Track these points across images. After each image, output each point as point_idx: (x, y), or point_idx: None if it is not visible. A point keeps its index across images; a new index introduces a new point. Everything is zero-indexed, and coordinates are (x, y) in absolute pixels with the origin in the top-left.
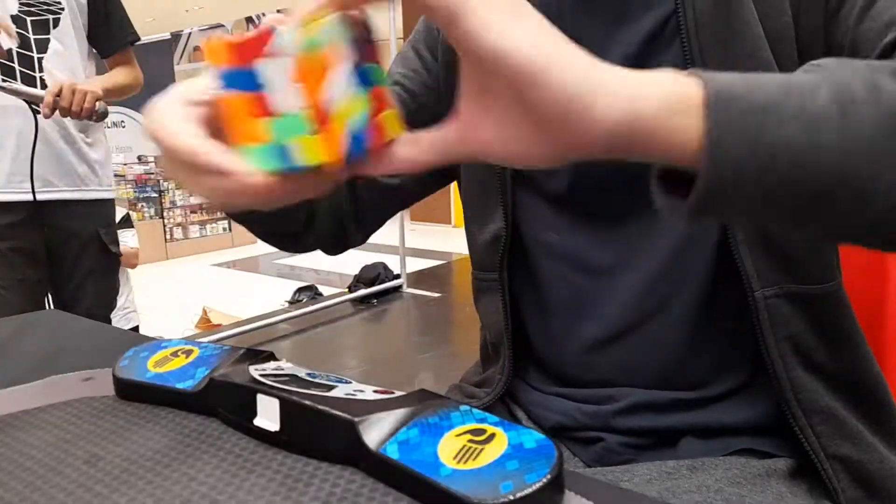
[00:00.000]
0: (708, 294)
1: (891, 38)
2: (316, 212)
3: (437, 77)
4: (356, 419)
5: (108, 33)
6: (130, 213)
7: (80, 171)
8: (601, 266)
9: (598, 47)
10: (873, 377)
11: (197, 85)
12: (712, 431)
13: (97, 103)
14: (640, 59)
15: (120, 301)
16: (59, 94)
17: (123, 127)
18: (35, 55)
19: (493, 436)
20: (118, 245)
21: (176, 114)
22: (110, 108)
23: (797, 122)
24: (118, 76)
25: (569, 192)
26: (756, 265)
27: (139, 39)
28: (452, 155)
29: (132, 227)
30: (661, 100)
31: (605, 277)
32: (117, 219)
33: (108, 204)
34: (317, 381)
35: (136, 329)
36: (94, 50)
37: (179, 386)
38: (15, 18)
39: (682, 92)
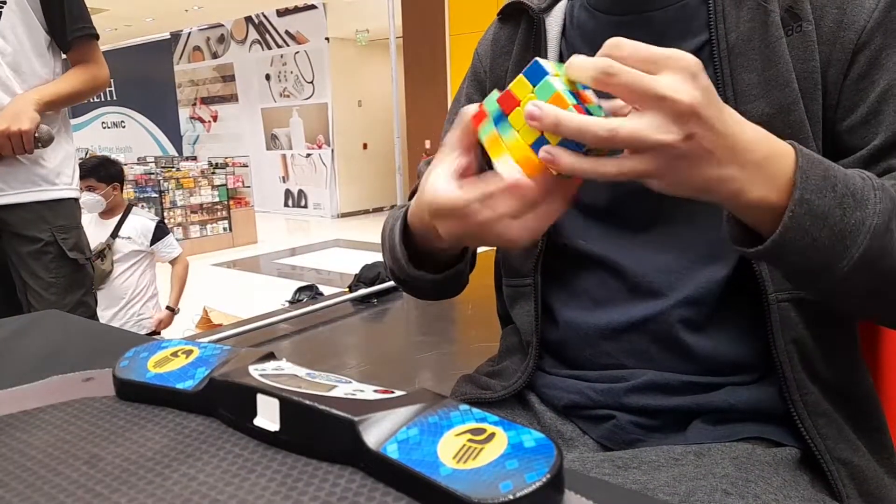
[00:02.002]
0: (726, 293)
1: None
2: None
3: None
4: (356, 419)
5: (63, 27)
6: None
7: (35, 174)
8: (627, 267)
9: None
10: (864, 390)
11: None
12: (721, 415)
13: (39, 128)
14: None
15: (136, 307)
16: None
17: (124, 127)
18: None
19: (492, 435)
20: (83, 252)
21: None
22: (109, 109)
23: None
24: (64, 83)
25: (604, 205)
26: (772, 271)
27: (97, 36)
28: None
29: (167, 233)
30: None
31: (630, 277)
32: (153, 227)
33: (67, 204)
34: (317, 380)
35: (152, 334)
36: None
37: (179, 386)
38: None
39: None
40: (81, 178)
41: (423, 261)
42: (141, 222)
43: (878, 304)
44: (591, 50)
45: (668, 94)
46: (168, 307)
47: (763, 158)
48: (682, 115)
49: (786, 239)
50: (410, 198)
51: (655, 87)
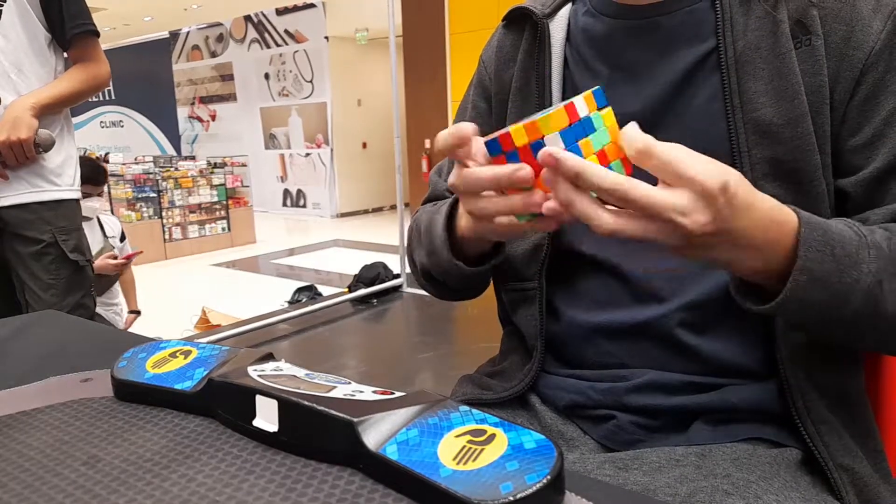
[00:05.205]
0: (729, 298)
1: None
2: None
3: (492, 113)
4: (355, 420)
5: (62, 25)
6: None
7: (36, 174)
8: (630, 273)
9: (645, 75)
10: (859, 394)
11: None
12: (722, 415)
13: (38, 134)
14: (681, 86)
15: (119, 299)
16: None
17: (122, 126)
18: None
19: (492, 436)
20: (83, 254)
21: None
22: (107, 108)
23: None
24: (62, 84)
25: None
26: None
27: (97, 33)
28: None
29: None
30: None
31: (633, 281)
32: (121, 226)
33: (68, 205)
34: (316, 381)
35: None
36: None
37: (178, 387)
38: None
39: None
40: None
41: (460, 255)
42: (113, 221)
43: (872, 343)
44: (597, 54)
45: (698, 176)
46: (134, 311)
47: (768, 238)
48: (710, 195)
49: (787, 301)
50: (424, 204)
51: (686, 169)
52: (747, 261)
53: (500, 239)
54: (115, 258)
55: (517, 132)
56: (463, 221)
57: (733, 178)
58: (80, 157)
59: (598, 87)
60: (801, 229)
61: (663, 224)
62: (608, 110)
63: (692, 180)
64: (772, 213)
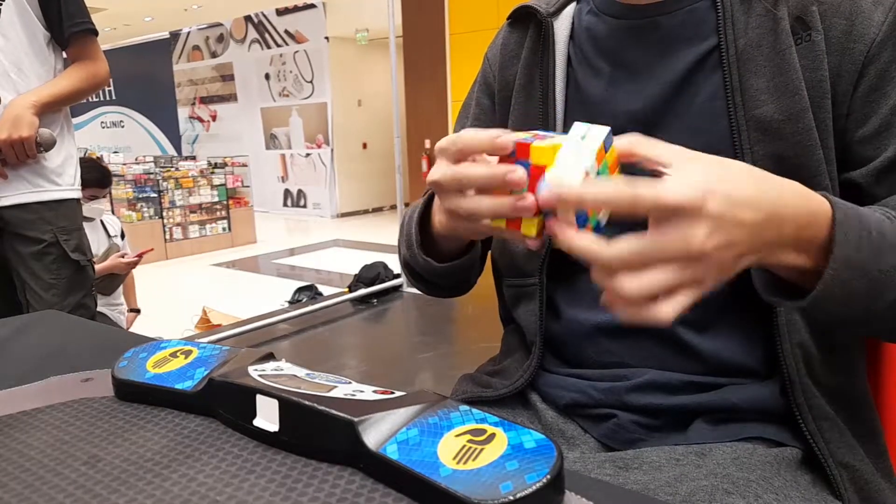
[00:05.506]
0: (731, 296)
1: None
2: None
3: (496, 110)
4: (356, 419)
5: (60, 24)
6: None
7: (36, 174)
8: None
9: (647, 73)
10: (862, 394)
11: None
12: (723, 415)
13: (39, 133)
14: (683, 84)
15: (119, 299)
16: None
17: (122, 127)
18: None
19: (492, 436)
20: (84, 254)
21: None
22: (107, 108)
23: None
24: (61, 82)
25: None
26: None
27: (96, 32)
28: None
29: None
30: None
31: None
32: (120, 224)
33: (69, 205)
34: (316, 381)
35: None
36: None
37: (178, 386)
38: None
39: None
40: (86, 186)
41: (434, 251)
42: (113, 219)
43: None
44: (600, 53)
45: (669, 196)
46: (134, 309)
47: (800, 228)
48: (686, 209)
49: (827, 293)
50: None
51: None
52: (781, 256)
53: (474, 238)
54: (123, 257)
55: (539, 151)
56: (437, 218)
57: (717, 180)
58: (85, 161)
59: (608, 129)
60: (836, 214)
61: (678, 257)
62: (612, 149)
63: (665, 203)
64: (804, 197)
